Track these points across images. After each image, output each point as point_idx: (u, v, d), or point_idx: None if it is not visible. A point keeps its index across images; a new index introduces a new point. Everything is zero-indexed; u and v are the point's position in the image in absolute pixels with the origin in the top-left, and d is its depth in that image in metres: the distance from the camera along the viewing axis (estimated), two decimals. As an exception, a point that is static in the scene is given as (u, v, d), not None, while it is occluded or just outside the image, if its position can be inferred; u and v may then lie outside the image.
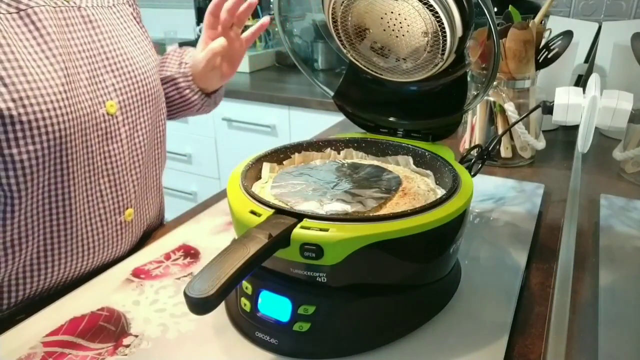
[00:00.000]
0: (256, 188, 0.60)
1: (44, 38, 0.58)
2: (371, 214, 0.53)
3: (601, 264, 0.66)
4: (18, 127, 0.54)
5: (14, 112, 0.54)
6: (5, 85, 0.53)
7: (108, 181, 0.68)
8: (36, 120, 0.55)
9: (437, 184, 0.62)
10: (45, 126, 0.56)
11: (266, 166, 0.65)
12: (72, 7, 0.62)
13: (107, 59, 0.66)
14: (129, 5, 0.75)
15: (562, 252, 0.66)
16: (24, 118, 0.54)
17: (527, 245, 0.71)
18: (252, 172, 0.62)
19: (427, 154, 0.65)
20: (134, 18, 0.75)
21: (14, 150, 0.55)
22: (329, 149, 0.70)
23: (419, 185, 0.60)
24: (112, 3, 0.70)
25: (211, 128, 2.01)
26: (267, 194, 0.58)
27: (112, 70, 0.66)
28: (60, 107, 0.57)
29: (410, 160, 0.66)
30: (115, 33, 0.68)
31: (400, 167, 0.66)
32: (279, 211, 0.50)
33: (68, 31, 0.61)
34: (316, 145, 0.70)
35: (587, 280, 0.65)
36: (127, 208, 0.71)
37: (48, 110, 0.56)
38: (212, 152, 2.07)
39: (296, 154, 0.69)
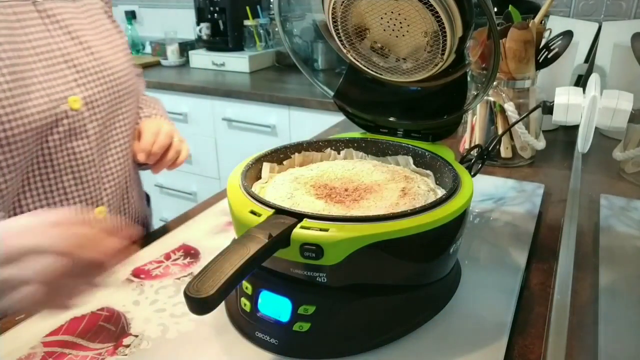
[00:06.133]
0: (256, 188, 0.60)
1: None
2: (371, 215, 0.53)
3: (601, 264, 0.66)
4: None
5: None
6: None
7: (73, 178, 0.65)
8: None
9: (437, 184, 0.62)
10: None
11: (266, 166, 0.65)
12: (26, 2, 0.60)
13: (69, 53, 0.64)
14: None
15: (562, 252, 0.66)
16: None
17: (527, 245, 0.71)
18: (252, 172, 0.62)
19: (427, 154, 0.65)
20: (105, 12, 0.73)
21: None
22: (329, 149, 0.70)
23: (419, 185, 0.60)
24: None
25: (211, 128, 2.00)
26: (267, 194, 0.58)
27: (75, 65, 0.64)
28: (4, 107, 0.56)
29: (410, 160, 0.66)
30: (78, 27, 0.66)
31: (400, 167, 0.66)
32: (279, 211, 0.50)
33: (20, 27, 0.59)
34: (316, 145, 0.70)
35: (587, 280, 0.64)
36: (97, 206, 0.69)
37: None
38: (212, 152, 2.07)
39: (296, 154, 0.69)
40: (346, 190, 0.59)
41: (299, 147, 0.69)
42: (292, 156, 0.68)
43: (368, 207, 0.55)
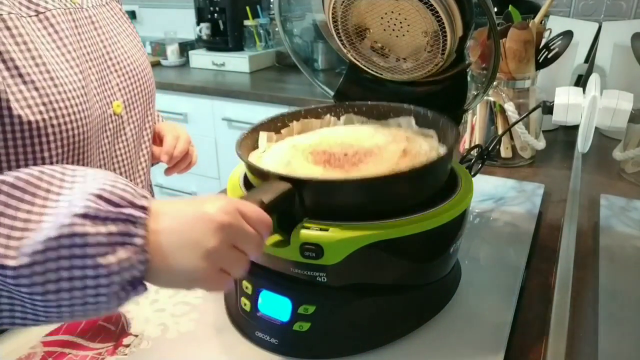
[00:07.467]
0: (253, 157, 0.59)
1: (62, 41, 0.57)
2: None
3: (601, 264, 0.66)
4: (50, 130, 0.54)
5: (45, 116, 0.54)
6: (36, 89, 0.53)
7: None
8: (65, 123, 0.55)
9: (440, 142, 0.60)
10: (72, 129, 0.56)
11: (263, 135, 0.62)
12: (78, 8, 0.62)
13: (111, 59, 0.66)
14: (117, 2, 0.74)
15: (562, 252, 0.66)
16: (54, 122, 0.54)
17: (527, 245, 0.71)
18: (249, 141, 0.60)
19: (429, 113, 0.63)
20: (124, 15, 0.75)
21: (46, 154, 0.55)
22: (328, 115, 0.67)
23: (421, 145, 0.58)
24: (105, 1, 0.69)
25: (211, 128, 2.00)
26: (263, 162, 0.57)
27: (117, 70, 0.66)
28: (80, 111, 0.57)
29: (413, 120, 0.64)
30: (114, 32, 0.68)
31: (402, 129, 0.64)
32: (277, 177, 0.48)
33: (78, 33, 0.61)
34: (315, 112, 0.67)
35: (587, 280, 0.64)
36: None
37: (74, 113, 0.56)
38: (212, 152, 2.07)
39: (294, 122, 0.66)
40: (345, 155, 0.57)
41: (297, 115, 0.66)
42: (291, 124, 0.66)
43: (367, 170, 0.53)
